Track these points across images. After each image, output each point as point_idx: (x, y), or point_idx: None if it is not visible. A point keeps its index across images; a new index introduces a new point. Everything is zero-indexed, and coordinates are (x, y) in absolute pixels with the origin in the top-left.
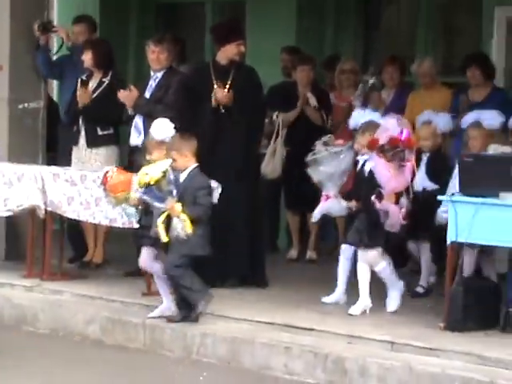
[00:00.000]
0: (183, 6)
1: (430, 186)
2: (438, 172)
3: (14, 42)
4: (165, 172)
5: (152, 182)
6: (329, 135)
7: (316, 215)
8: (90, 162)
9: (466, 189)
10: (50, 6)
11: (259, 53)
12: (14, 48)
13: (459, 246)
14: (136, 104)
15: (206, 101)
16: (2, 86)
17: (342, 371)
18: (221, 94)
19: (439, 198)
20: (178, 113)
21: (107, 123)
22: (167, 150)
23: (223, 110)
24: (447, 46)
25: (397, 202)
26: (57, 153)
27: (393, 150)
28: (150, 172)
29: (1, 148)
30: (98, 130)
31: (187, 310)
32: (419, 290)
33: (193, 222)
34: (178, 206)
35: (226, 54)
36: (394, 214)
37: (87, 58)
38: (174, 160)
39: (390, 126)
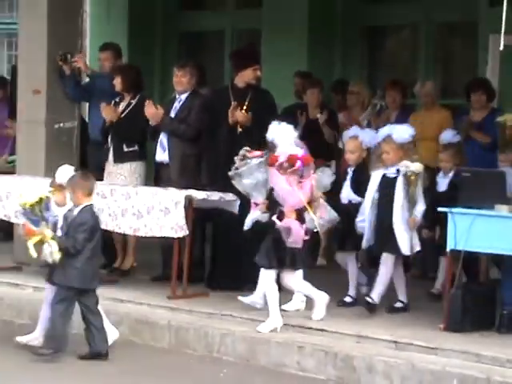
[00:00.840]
0: (204, 34)
1: (355, 198)
2: (362, 185)
3: (51, 68)
4: (41, 198)
5: (27, 206)
6: (245, 148)
7: (248, 223)
8: (117, 176)
9: (464, 201)
10: (84, 35)
11: (274, 77)
12: (51, 73)
13: (458, 254)
14: (162, 123)
15: (225, 121)
16: (40, 108)
17: (351, 368)
18: (238, 114)
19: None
20: (198, 132)
21: (132, 141)
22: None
23: (240, 129)
24: (445, 72)
25: (298, 219)
26: (87, 168)
27: (291, 167)
28: (26, 196)
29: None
30: (124, 146)
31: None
32: (347, 299)
33: (63, 251)
34: (48, 232)
35: (244, 78)
36: (296, 231)
37: (117, 82)
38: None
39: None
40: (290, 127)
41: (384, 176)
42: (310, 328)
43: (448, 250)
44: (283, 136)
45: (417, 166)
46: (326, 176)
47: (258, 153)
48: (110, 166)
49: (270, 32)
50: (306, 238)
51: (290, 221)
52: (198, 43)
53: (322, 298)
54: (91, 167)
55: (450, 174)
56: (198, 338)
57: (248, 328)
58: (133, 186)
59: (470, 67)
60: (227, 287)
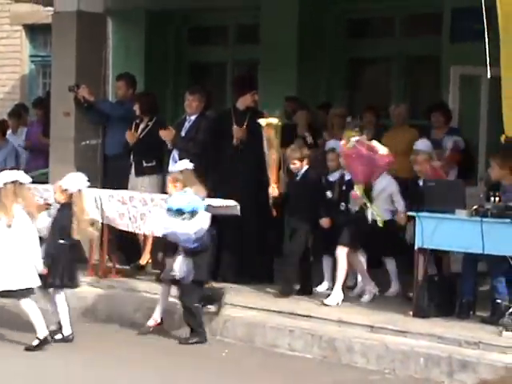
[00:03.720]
0: (210, 65)
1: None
2: None
3: None
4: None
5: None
6: None
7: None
8: (138, 188)
9: (429, 206)
10: (107, 66)
11: (268, 100)
12: (78, 99)
13: (424, 251)
14: (174, 141)
15: (228, 138)
16: (69, 127)
17: (333, 349)
18: (238, 131)
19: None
20: (204, 148)
21: (150, 157)
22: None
23: (241, 146)
24: (413, 97)
25: None
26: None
27: None
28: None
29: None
30: (144, 162)
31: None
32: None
33: None
34: None
35: (244, 101)
36: None
37: (137, 107)
38: None
39: None
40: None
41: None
42: (299, 314)
43: (416, 248)
44: None
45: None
46: None
47: None
48: (133, 179)
49: (265, 63)
50: None
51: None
52: (204, 73)
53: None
54: (109, 179)
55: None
56: (207, 322)
57: (245, 314)
58: (148, 193)
59: (434, 93)
60: (229, 279)
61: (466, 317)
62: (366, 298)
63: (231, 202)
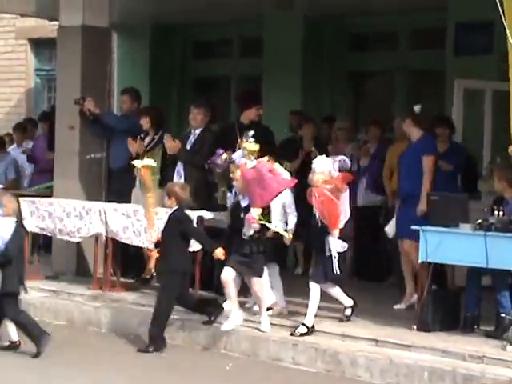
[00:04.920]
0: (214, 79)
1: None
2: None
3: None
4: None
5: None
6: None
7: None
8: (143, 201)
9: (433, 220)
10: (112, 80)
11: (272, 114)
12: (83, 112)
13: (428, 265)
14: (179, 154)
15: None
16: (74, 141)
17: (337, 362)
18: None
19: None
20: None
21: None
22: None
23: None
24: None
25: None
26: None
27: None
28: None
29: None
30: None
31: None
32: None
33: None
34: None
35: (248, 116)
36: None
37: (146, 121)
38: None
39: None
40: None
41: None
42: None
43: (419, 261)
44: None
45: None
46: None
47: None
48: (138, 192)
49: (269, 77)
50: None
51: None
52: (208, 86)
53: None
54: (113, 192)
55: None
56: (208, 336)
57: (250, 328)
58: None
59: (438, 107)
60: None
61: (470, 331)
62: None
63: (221, 216)
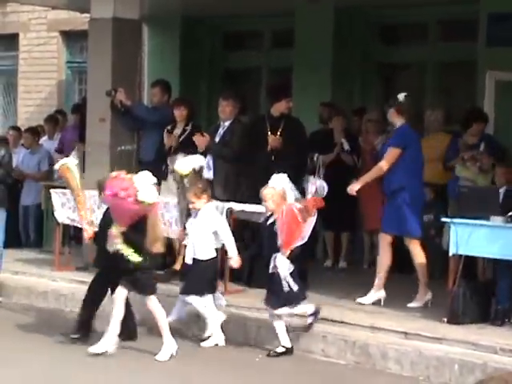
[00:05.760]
0: (245, 70)
1: None
2: None
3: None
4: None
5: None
6: None
7: None
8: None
9: (463, 212)
10: (143, 72)
11: (302, 106)
12: (114, 104)
13: (459, 257)
14: (208, 147)
15: (262, 144)
16: (104, 133)
17: (367, 355)
18: (273, 140)
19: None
20: (240, 154)
21: None
22: None
23: (275, 153)
24: (448, 103)
25: None
26: None
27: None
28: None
29: None
30: None
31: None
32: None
33: None
34: None
35: (278, 108)
36: None
37: (180, 112)
38: None
39: None
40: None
41: None
42: (333, 320)
43: (450, 254)
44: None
45: None
46: None
47: None
48: (170, 184)
49: (300, 69)
50: None
51: None
52: (238, 78)
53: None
54: None
55: None
56: (237, 328)
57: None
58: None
59: (469, 99)
60: (264, 285)
61: (501, 324)
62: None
63: (264, 208)
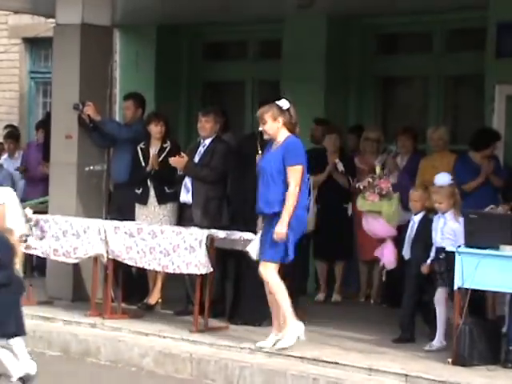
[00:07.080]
0: (226, 84)
1: None
2: None
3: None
4: None
5: None
6: None
7: None
8: (159, 217)
9: (470, 241)
10: (114, 85)
11: None
12: (82, 119)
13: (465, 291)
14: (186, 167)
15: (252, 164)
16: (71, 152)
17: None
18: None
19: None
20: (221, 175)
21: (172, 183)
22: None
23: None
24: (454, 119)
25: None
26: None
27: None
28: None
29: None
30: (166, 188)
31: None
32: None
33: None
34: None
35: None
36: None
37: (158, 130)
38: None
39: None
40: None
41: None
42: (324, 361)
43: (456, 288)
44: None
45: None
46: None
47: None
48: (151, 208)
49: (288, 82)
50: None
51: None
52: (220, 92)
53: None
54: (114, 208)
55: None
56: (219, 369)
57: (265, 361)
58: (158, 225)
59: (476, 116)
60: (248, 322)
61: None
62: None
63: (250, 236)
